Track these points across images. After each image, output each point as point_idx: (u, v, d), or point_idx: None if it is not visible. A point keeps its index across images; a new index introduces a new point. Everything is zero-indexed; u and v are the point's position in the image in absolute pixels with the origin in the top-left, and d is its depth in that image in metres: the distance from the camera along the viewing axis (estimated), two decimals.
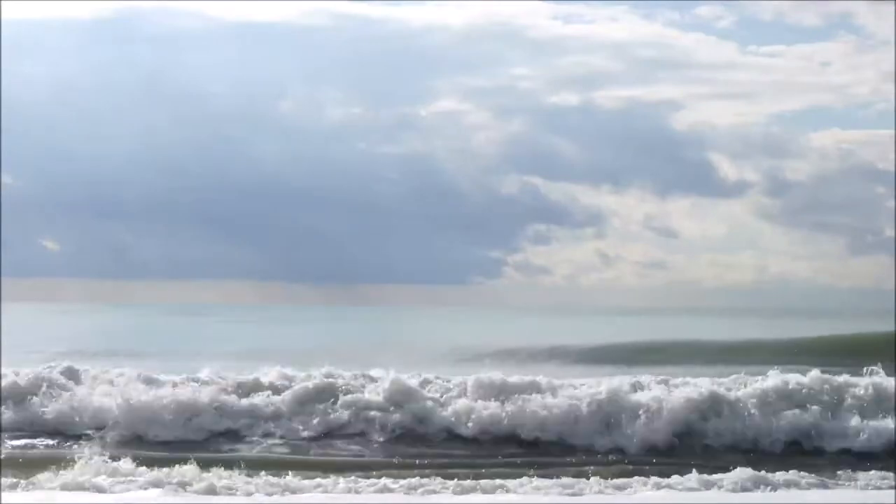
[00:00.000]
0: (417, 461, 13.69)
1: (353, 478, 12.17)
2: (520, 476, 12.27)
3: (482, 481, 12.01)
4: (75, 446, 14.43)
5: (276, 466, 12.93)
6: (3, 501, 10.53)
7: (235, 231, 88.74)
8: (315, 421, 15.94)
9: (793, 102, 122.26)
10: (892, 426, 15.05)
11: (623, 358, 25.74)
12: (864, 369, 16.45)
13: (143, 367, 18.83)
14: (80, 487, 11.37)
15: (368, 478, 12.19)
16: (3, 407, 16.11)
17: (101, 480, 11.63)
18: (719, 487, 11.93)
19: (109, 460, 12.34)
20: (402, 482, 11.96)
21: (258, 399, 16.47)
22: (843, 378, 16.33)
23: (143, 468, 12.12)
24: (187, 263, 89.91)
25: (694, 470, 12.43)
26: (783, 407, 15.56)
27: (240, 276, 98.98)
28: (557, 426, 15.52)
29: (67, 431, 15.68)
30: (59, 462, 12.31)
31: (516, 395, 16.00)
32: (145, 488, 11.46)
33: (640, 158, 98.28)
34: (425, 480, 12.00)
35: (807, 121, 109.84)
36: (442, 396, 16.38)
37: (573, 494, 11.72)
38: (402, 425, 15.79)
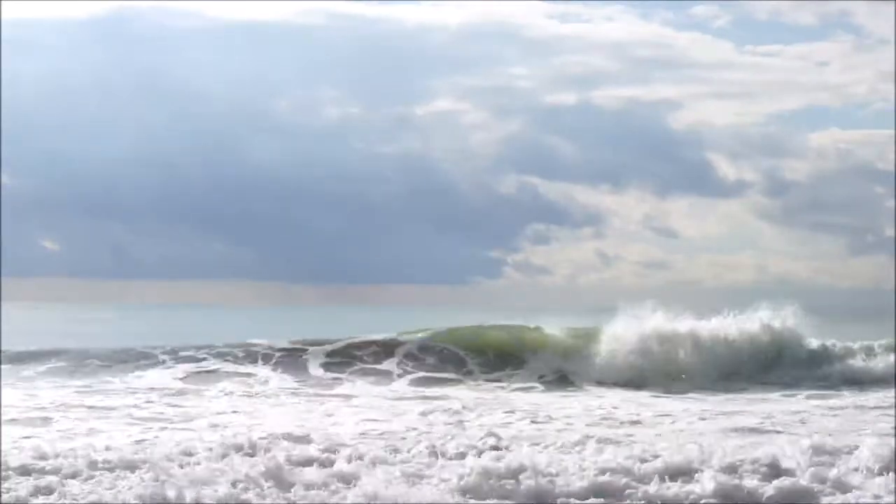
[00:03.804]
0: None
1: None
2: None
3: None
4: None
5: None
6: (3, 501, 10.48)
7: (234, 231, 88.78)
8: None
9: (791, 102, 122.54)
10: None
11: None
12: None
13: None
14: None
15: None
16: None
17: None
18: None
19: None
20: None
21: None
22: None
23: None
24: (187, 263, 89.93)
25: None
26: None
27: (239, 276, 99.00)
28: None
29: None
30: None
31: None
32: None
33: (639, 158, 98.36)
34: None
35: (805, 120, 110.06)
36: None
37: None
38: None
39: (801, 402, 21.36)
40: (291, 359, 26.39)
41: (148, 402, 19.60)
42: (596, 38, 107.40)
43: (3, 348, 26.24)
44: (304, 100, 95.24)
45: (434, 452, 12.78)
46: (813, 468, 11.92)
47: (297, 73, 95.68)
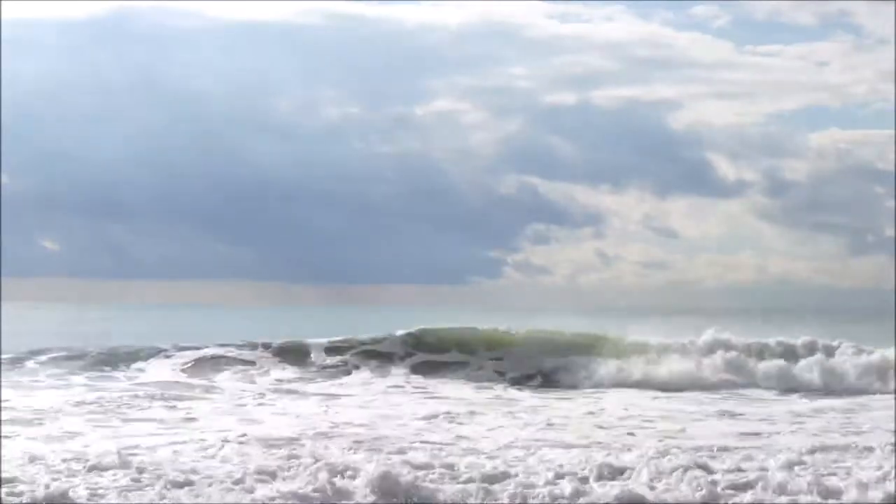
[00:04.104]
0: None
1: None
2: None
3: None
4: None
5: None
6: (3, 501, 10.48)
7: (235, 231, 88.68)
8: None
9: (790, 102, 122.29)
10: None
11: None
12: None
13: None
14: None
15: None
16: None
17: None
18: None
19: None
20: None
21: None
22: None
23: None
24: (187, 263, 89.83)
25: None
26: None
27: (239, 276, 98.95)
28: None
29: None
30: None
31: None
32: None
33: (639, 158, 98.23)
34: None
35: (805, 120, 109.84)
36: None
37: None
38: None
39: (799, 404, 21.30)
40: (294, 346, 26.89)
41: (146, 402, 19.55)
42: (595, 38, 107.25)
43: (2, 348, 26.29)
44: (304, 100, 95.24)
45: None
46: (813, 469, 11.97)
47: (297, 73, 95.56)
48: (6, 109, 71.10)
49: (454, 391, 22.98)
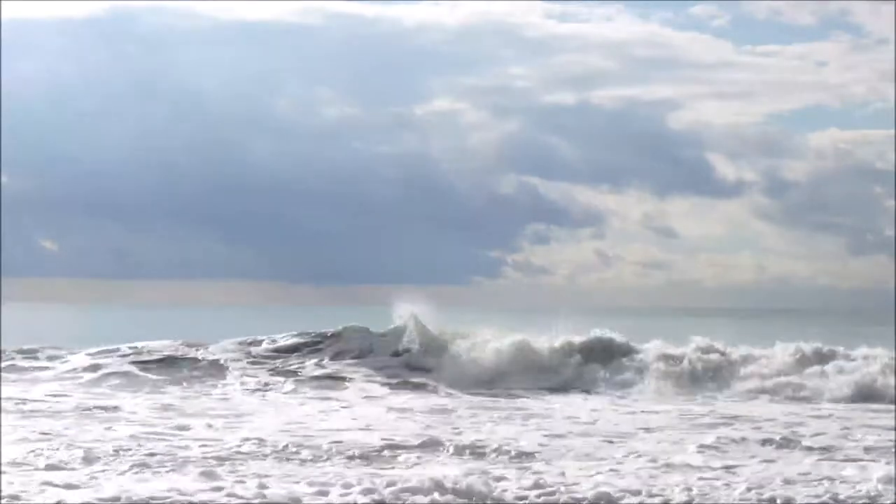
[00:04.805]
0: None
1: None
2: None
3: None
4: None
5: None
6: (2, 502, 10.50)
7: (235, 231, 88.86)
8: None
9: (790, 102, 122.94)
10: None
11: None
12: None
13: None
14: None
15: None
16: None
17: None
18: None
19: None
20: None
21: None
22: None
23: None
24: (187, 263, 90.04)
25: None
26: None
27: (239, 276, 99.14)
28: None
29: None
30: None
31: None
32: None
33: (638, 158, 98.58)
34: None
35: (804, 120, 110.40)
36: None
37: None
38: None
39: (794, 406, 21.05)
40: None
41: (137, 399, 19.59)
42: (594, 38, 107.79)
43: (2, 348, 26.34)
44: (303, 100, 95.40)
45: None
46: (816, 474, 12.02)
47: (296, 74, 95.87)
48: (6, 109, 71.26)
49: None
